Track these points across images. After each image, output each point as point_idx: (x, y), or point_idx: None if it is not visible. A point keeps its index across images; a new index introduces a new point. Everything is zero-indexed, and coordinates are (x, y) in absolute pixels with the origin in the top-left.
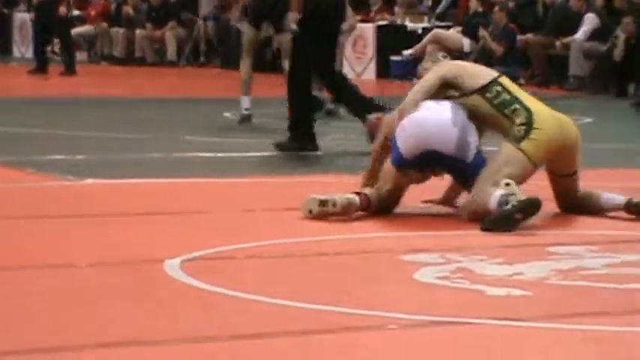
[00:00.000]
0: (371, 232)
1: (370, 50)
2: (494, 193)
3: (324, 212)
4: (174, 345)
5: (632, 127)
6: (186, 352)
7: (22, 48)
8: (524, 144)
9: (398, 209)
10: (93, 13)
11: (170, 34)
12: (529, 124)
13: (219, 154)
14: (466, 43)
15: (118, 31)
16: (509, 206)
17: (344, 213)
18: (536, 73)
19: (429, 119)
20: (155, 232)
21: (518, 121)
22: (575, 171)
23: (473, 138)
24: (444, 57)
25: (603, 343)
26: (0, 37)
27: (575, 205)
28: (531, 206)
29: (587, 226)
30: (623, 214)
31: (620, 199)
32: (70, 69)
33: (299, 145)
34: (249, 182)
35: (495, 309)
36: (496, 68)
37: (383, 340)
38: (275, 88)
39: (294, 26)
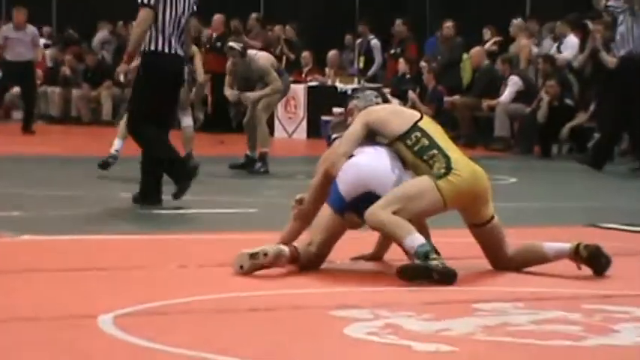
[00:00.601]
0: (302, 288)
1: (301, 110)
2: (412, 233)
3: (255, 265)
4: None
5: (555, 187)
6: None
7: None
8: (441, 182)
9: (328, 265)
10: None
11: (106, 94)
12: (448, 168)
13: (154, 211)
14: (395, 102)
15: (55, 91)
16: (433, 264)
17: (274, 263)
18: (462, 134)
19: (368, 164)
20: (90, 288)
21: (436, 166)
22: (488, 220)
23: None
24: (376, 97)
25: None
26: None
27: (508, 259)
28: (448, 277)
29: (511, 282)
30: (546, 269)
31: (566, 246)
32: (31, 129)
33: (144, 199)
34: (182, 238)
35: None
36: None
37: None
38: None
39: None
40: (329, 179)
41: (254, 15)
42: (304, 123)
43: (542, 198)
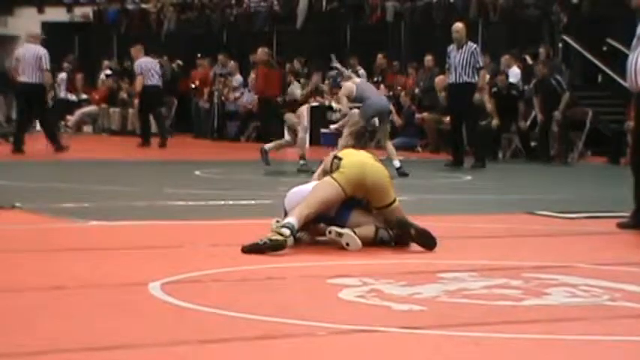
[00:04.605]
0: (306, 262)
1: (305, 124)
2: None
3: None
4: (152, 348)
5: (500, 183)
6: (162, 353)
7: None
8: (335, 174)
9: (325, 243)
10: (97, 96)
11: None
12: (337, 168)
13: (191, 203)
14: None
15: (115, 110)
16: (262, 241)
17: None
18: (429, 143)
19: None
20: (142, 262)
21: (334, 170)
22: (387, 204)
23: None
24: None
25: (481, 345)
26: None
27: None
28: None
29: (467, 256)
30: (493, 246)
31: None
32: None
33: None
34: (214, 224)
35: (400, 320)
36: (400, 138)
37: (314, 343)
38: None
39: None
40: None
41: (267, 50)
42: (307, 134)
43: (491, 192)
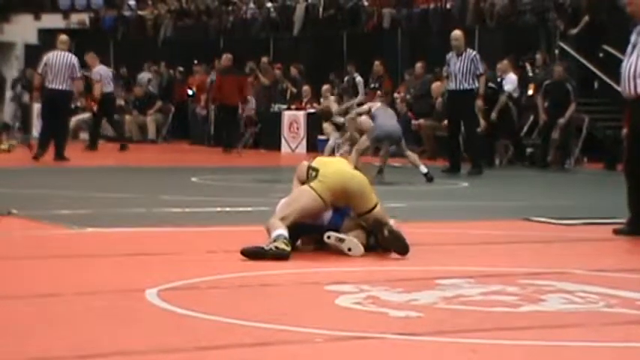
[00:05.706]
0: (302, 268)
1: (302, 131)
2: (277, 230)
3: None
4: (149, 354)
5: (497, 190)
6: None
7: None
8: (313, 184)
9: (322, 250)
10: (93, 103)
11: (151, 119)
12: (316, 176)
13: (187, 210)
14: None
15: None
16: (267, 247)
17: None
18: (426, 150)
19: None
20: (139, 268)
21: (311, 179)
22: (369, 210)
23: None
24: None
25: (479, 352)
26: (23, 121)
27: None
28: (279, 257)
29: (465, 263)
30: (488, 253)
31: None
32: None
33: None
34: (211, 230)
35: (397, 326)
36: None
37: (312, 350)
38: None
39: None
40: None
41: (265, 58)
42: (304, 141)
43: (487, 198)
